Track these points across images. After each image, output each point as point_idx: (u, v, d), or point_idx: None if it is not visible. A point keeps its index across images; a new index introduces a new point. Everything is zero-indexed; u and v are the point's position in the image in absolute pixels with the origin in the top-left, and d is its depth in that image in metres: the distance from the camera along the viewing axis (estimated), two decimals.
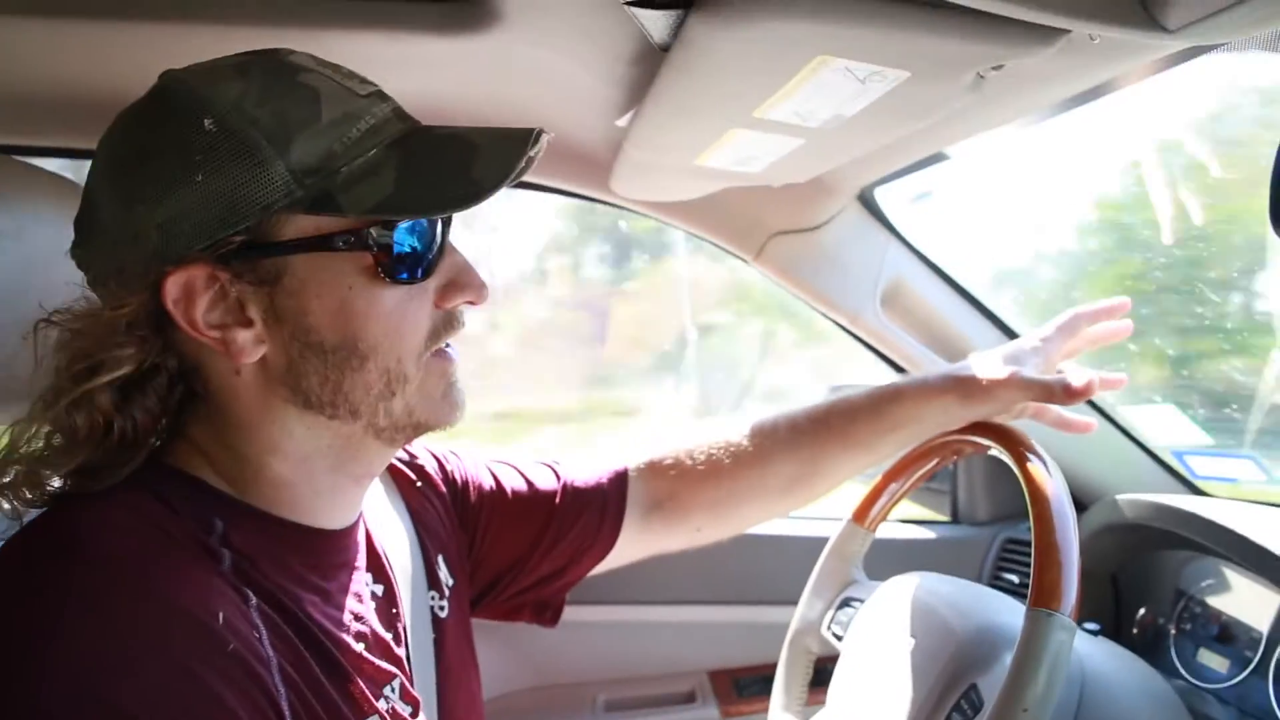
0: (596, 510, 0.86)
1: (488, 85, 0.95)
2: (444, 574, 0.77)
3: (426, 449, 0.85)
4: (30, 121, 0.99)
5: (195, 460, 0.60)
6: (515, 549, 0.85)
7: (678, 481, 0.89)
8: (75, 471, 0.57)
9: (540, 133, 0.57)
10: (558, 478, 0.88)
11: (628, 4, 0.66)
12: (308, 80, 0.57)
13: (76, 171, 1.02)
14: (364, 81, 0.60)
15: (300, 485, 0.61)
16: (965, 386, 0.81)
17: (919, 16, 0.60)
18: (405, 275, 0.58)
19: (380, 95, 0.60)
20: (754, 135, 0.84)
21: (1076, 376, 0.71)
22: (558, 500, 0.86)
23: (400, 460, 0.81)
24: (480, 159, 0.58)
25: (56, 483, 0.58)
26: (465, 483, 0.85)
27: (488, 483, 0.86)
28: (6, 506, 0.57)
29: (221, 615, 0.50)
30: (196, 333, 0.56)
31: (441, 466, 0.84)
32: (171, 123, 0.55)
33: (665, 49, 0.76)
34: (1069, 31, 0.60)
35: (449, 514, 0.82)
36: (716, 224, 1.27)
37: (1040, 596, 0.65)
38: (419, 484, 0.81)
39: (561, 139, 1.08)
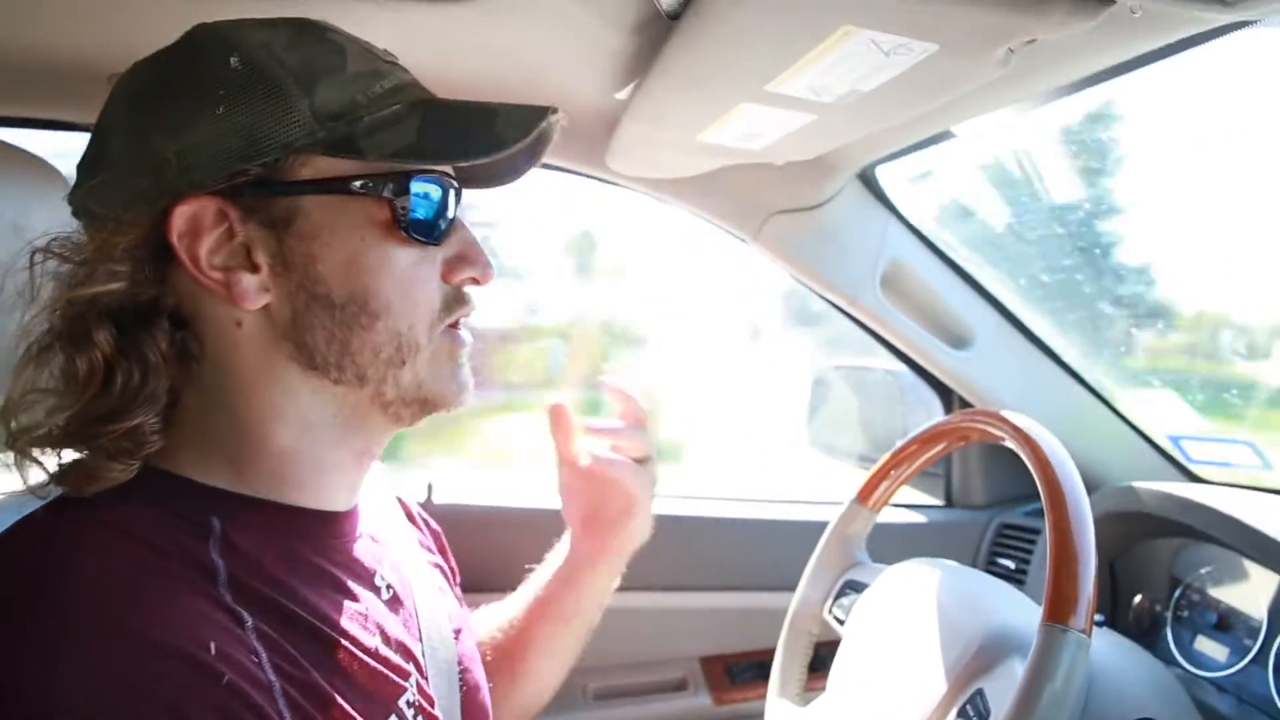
0: None
1: (478, 54, 0.89)
2: (452, 586, 0.77)
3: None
4: (9, 91, 0.92)
5: (188, 452, 0.56)
6: None
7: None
8: (79, 429, 0.53)
9: (554, 109, 0.58)
10: None
11: None
12: (334, 38, 0.57)
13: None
14: (387, 52, 0.61)
15: (303, 457, 0.58)
16: (593, 543, 0.83)
17: None
18: (418, 234, 0.57)
19: (401, 66, 0.61)
20: (763, 110, 0.80)
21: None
22: None
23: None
24: (500, 120, 0.58)
25: (53, 464, 0.53)
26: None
27: None
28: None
29: (214, 645, 0.47)
30: (199, 272, 0.54)
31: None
32: (196, 60, 0.55)
33: (674, 17, 0.71)
34: (1113, 4, 0.56)
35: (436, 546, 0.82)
36: (715, 202, 1.23)
37: (1055, 610, 0.64)
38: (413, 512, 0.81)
39: None
